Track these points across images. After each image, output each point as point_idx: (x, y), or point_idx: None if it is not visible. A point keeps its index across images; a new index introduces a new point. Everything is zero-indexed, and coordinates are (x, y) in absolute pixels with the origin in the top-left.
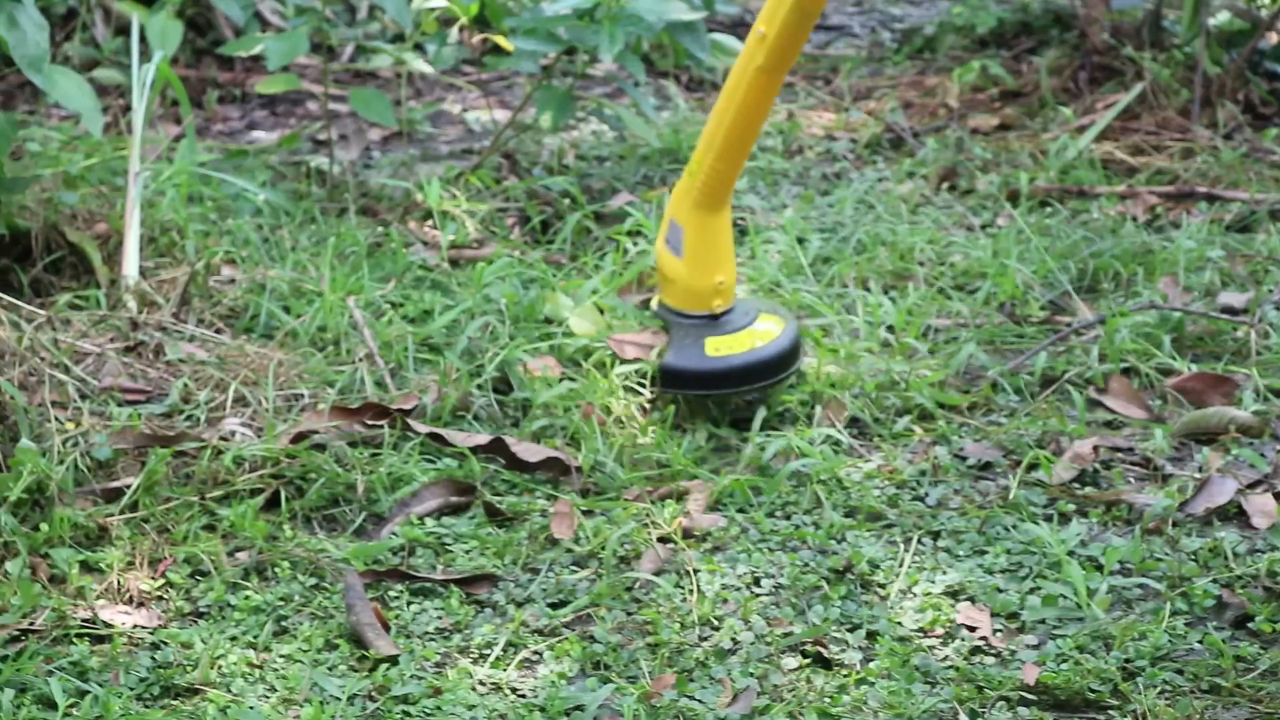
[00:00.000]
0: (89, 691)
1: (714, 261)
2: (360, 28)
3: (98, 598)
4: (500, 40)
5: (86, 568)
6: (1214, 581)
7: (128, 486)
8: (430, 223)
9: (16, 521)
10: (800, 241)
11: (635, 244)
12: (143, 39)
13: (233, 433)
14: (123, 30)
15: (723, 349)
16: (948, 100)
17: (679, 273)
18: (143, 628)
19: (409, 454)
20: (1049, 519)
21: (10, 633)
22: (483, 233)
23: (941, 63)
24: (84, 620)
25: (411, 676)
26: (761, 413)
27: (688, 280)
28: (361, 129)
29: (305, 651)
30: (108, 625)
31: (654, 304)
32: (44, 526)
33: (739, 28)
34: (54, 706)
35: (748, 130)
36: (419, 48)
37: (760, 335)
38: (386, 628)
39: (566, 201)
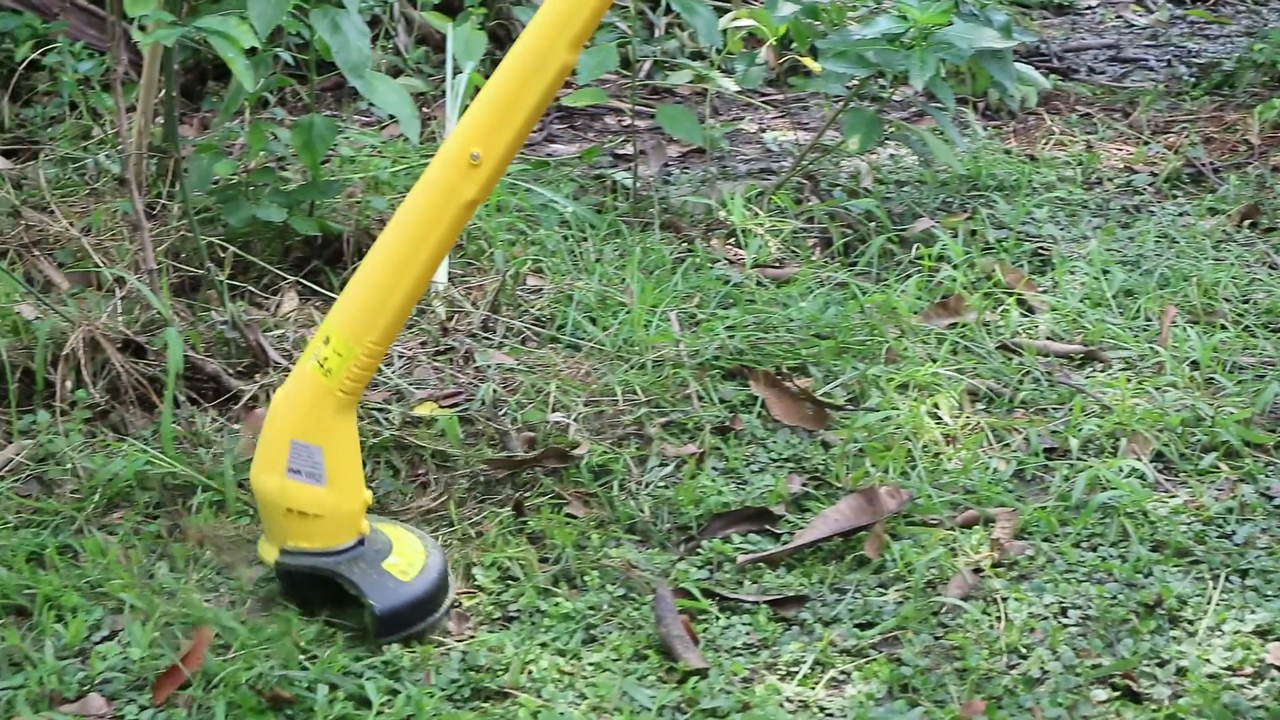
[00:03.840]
0: (400, 691)
1: (358, 474)
2: (658, 45)
3: None
4: (808, 62)
5: None
6: None
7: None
8: (732, 240)
9: None
10: (1103, 273)
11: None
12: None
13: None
14: (423, 40)
15: (405, 567)
16: (1248, 137)
17: (326, 503)
18: (452, 633)
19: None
20: None
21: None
22: (784, 252)
23: (1241, 99)
24: None
25: (720, 690)
26: (1073, 444)
27: (338, 506)
28: (661, 145)
29: (615, 660)
30: None
31: (269, 558)
32: None
33: (1034, 57)
34: (367, 704)
35: (420, 291)
36: (721, 66)
37: (407, 541)
38: (695, 641)
39: (871, 224)
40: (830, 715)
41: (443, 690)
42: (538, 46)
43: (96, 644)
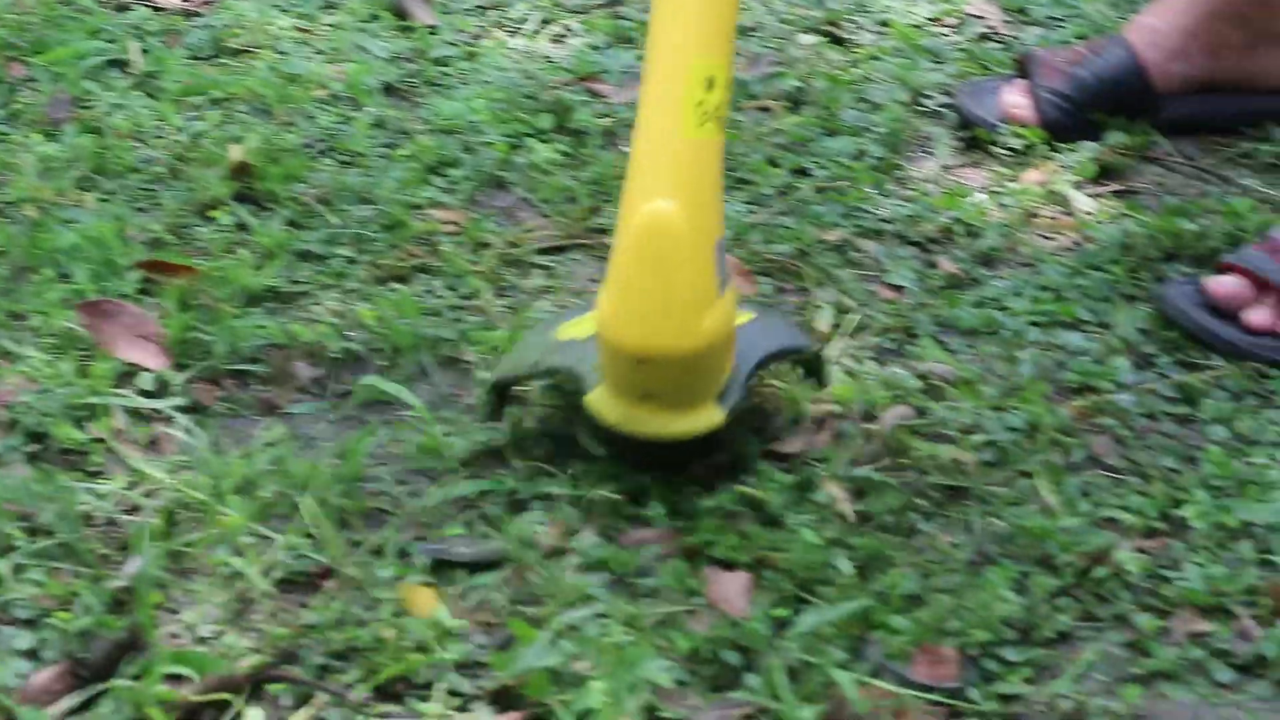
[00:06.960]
0: (149, 50)
1: None
2: None
3: None
4: None
5: None
6: None
7: None
8: None
9: None
10: None
11: None
12: None
13: None
14: None
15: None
16: None
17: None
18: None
19: None
20: None
21: None
22: None
23: None
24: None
25: (449, 43)
26: None
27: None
28: None
29: (351, 22)
30: None
31: (708, 424)
32: None
33: None
34: (121, 64)
35: None
36: None
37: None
38: (428, 1)
39: None
40: (554, 62)
41: (187, 49)
42: None
43: None
